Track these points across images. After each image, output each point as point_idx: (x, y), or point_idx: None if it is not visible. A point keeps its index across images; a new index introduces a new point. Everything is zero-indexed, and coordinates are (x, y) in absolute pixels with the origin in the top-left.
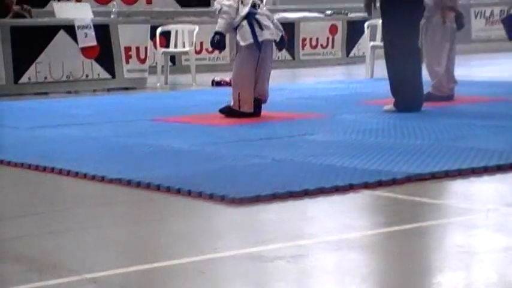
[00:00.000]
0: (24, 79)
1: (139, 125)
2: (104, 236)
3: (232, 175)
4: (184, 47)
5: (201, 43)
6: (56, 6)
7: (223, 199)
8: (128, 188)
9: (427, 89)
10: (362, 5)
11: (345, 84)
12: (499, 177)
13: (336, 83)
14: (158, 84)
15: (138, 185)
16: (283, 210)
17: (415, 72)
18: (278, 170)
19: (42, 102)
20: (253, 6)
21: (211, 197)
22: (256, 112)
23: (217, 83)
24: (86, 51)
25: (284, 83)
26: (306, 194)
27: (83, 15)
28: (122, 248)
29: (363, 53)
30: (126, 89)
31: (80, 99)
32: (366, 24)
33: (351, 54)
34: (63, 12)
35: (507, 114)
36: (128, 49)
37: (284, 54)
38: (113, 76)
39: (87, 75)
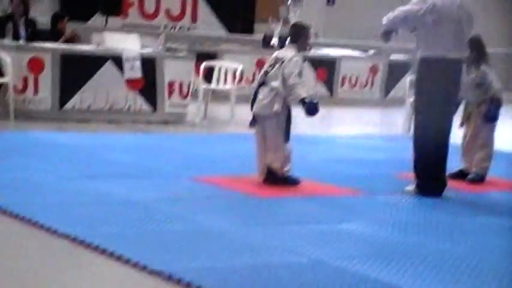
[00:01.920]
0: (68, 106)
1: (179, 185)
2: None
3: (268, 277)
4: (226, 83)
5: (241, 73)
6: (107, 36)
7: None
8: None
9: None
10: (404, 46)
11: (382, 142)
12: None
13: (373, 139)
14: (197, 120)
15: (169, 278)
16: None
17: (441, 156)
18: (312, 278)
19: (84, 138)
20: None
21: None
22: (266, 180)
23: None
24: (130, 83)
25: (319, 133)
26: None
27: (132, 46)
28: None
29: (401, 95)
30: (166, 122)
31: (120, 137)
32: (408, 79)
33: (389, 96)
34: (113, 41)
35: None
36: (171, 84)
37: (322, 90)
38: (155, 109)
39: (129, 107)
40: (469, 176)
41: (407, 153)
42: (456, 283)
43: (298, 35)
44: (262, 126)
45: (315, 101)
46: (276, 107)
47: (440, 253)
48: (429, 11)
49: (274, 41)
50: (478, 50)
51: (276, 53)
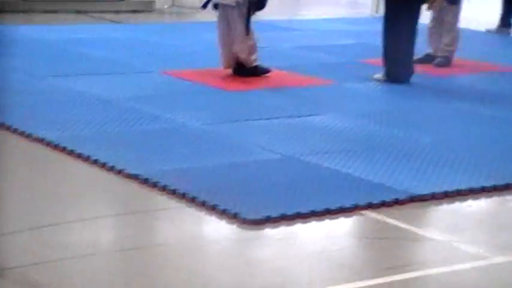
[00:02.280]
0: None
1: (150, 81)
2: None
3: (242, 175)
4: None
5: None
6: None
7: (234, 217)
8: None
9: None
10: None
11: (351, 25)
12: None
13: (342, 22)
14: (165, 7)
15: (145, 181)
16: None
17: (410, 42)
18: (284, 174)
19: (53, 30)
20: None
21: (223, 212)
22: (236, 72)
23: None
24: None
25: (286, 16)
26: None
27: None
28: None
29: None
30: (135, 11)
31: (89, 29)
32: None
33: None
34: None
35: None
36: None
37: None
38: None
39: None
40: (436, 61)
41: (377, 37)
42: (424, 173)
43: None
44: (225, 16)
45: None
46: None
47: (410, 143)
48: None
49: None
50: None
51: None
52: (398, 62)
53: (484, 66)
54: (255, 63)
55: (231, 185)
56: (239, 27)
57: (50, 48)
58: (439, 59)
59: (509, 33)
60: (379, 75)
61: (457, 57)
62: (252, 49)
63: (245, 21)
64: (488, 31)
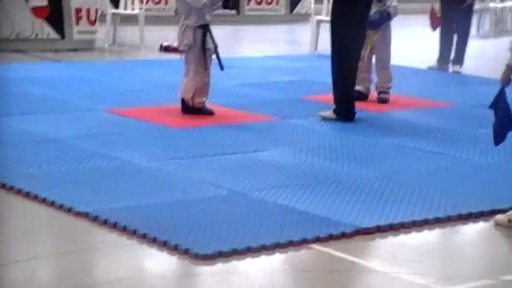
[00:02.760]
0: None
1: (95, 119)
2: None
3: (190, 212)
4: (133, 5)
5: None
6: None
7: (186, 252)
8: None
9: None
10: None
11: (291, 62)
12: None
13: (281, 60)
14: (106, 45)
15: (95, 219)
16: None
17: (354, 80)
18: (232, 210)
19: None
20: None
21: (164, 244)
22: (181, 108)
23: (165, 49)
24: (36, 11)
25: (226, 54)
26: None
27: None
28: None
29: (306, 11)
30: (75, 50)
31: (30, 68)
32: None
33: (295, 12)
34: None
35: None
36: (78, 10)
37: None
38: (63, 37)
39: (36, 35)
40: (380, 97)
41: (316, 73)
42: (369, 206)
43: None
44: (185, 56)
45: None
46: (186, 41)
47: (354, 177)
48: None
49: None
50: None
51: None
52: (347, 100)
53: (420, 102)
54: (199, 106)
55: (181, 221)
56: (191, 67)
57: None
58: (382, 96)
59: (447, 69)
60: (327, 112)
61: (395, 94)
62: (199, 91)
63: (202, 59)
64: (430, 68)
